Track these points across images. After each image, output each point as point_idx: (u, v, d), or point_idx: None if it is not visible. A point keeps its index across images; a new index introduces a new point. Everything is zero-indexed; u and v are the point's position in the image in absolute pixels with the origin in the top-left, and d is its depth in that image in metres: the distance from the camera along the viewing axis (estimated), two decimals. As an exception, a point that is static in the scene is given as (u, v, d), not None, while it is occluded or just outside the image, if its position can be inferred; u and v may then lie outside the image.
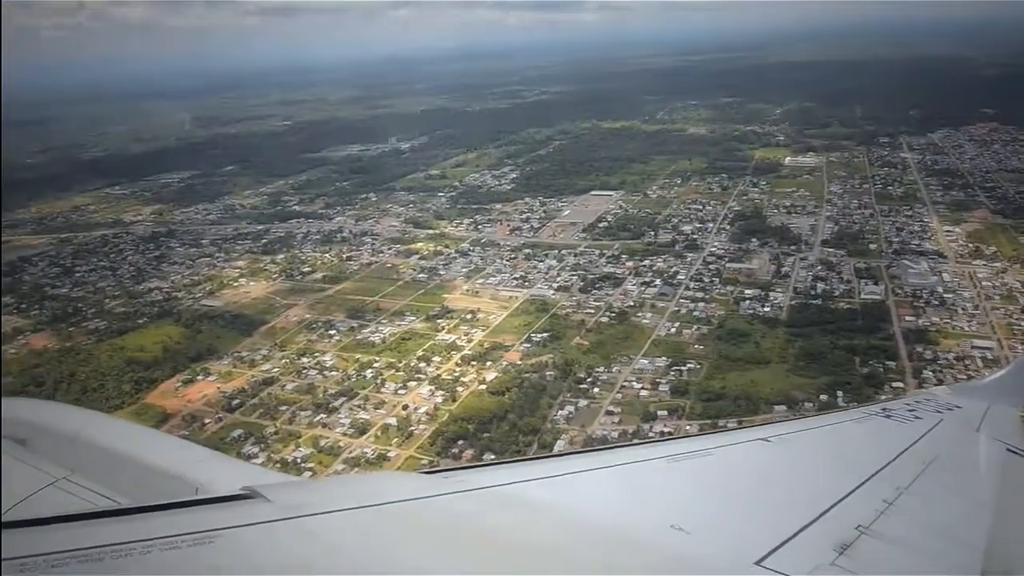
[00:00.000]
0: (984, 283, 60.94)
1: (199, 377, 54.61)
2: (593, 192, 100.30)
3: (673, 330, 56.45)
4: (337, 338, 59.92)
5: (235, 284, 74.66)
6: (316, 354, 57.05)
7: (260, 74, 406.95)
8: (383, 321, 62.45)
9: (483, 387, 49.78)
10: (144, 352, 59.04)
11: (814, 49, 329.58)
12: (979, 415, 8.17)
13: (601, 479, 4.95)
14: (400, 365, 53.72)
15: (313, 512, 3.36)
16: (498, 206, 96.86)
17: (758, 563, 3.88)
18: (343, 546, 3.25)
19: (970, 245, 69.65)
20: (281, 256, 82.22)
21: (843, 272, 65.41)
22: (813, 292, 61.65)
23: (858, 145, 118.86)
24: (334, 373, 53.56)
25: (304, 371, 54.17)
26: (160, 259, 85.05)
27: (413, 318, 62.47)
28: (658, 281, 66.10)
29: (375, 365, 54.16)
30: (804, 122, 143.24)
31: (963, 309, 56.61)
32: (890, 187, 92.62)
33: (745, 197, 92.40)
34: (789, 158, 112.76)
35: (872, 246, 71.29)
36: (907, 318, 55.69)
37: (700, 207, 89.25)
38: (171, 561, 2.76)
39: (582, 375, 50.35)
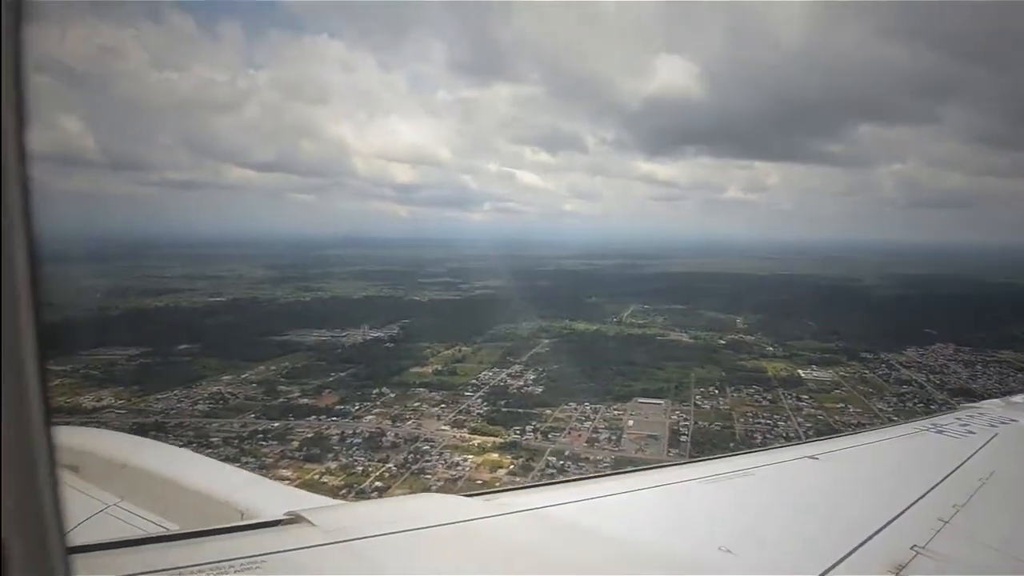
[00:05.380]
0: None
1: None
2: (638, 400, 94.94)
3: None
4: None
5: (294, 503, 60.23)
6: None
7: (154, 245, 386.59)
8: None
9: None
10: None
11: (706, 262, 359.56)
12: None
13: (645, 500, 4.87)
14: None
15: (358, 536, 3.37)
16: (547, 411, 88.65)
17: None
18: (389, 569, 3.27)
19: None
20: (333, 464, 68.52)
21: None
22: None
23: (849, 360, 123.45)
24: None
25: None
26: (167, 463, 68.69)
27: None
28: (813, 512, 59.79)
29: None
30: (776, 334, 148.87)
31: None
32: (932, 406, 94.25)
33: (802, 413, 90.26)
34: (801, 371, 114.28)
35: (988, 475, 69.59)
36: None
37: (769, 422, 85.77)
38: None
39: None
